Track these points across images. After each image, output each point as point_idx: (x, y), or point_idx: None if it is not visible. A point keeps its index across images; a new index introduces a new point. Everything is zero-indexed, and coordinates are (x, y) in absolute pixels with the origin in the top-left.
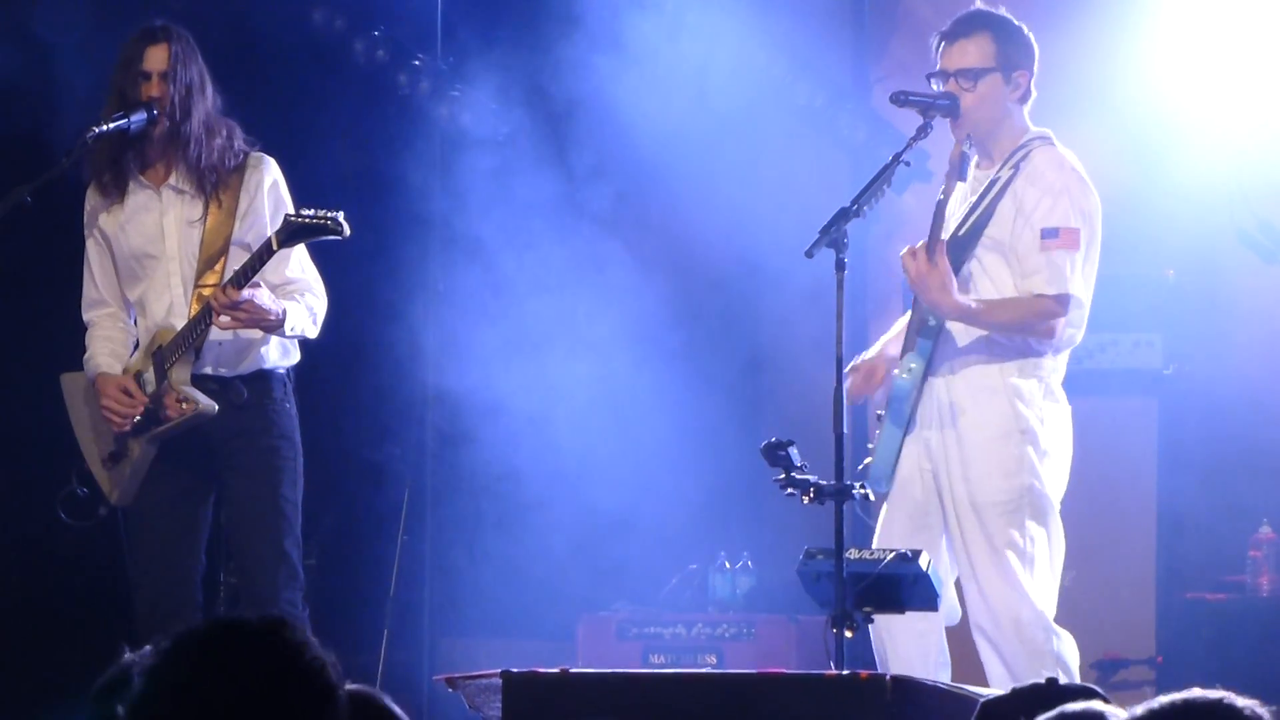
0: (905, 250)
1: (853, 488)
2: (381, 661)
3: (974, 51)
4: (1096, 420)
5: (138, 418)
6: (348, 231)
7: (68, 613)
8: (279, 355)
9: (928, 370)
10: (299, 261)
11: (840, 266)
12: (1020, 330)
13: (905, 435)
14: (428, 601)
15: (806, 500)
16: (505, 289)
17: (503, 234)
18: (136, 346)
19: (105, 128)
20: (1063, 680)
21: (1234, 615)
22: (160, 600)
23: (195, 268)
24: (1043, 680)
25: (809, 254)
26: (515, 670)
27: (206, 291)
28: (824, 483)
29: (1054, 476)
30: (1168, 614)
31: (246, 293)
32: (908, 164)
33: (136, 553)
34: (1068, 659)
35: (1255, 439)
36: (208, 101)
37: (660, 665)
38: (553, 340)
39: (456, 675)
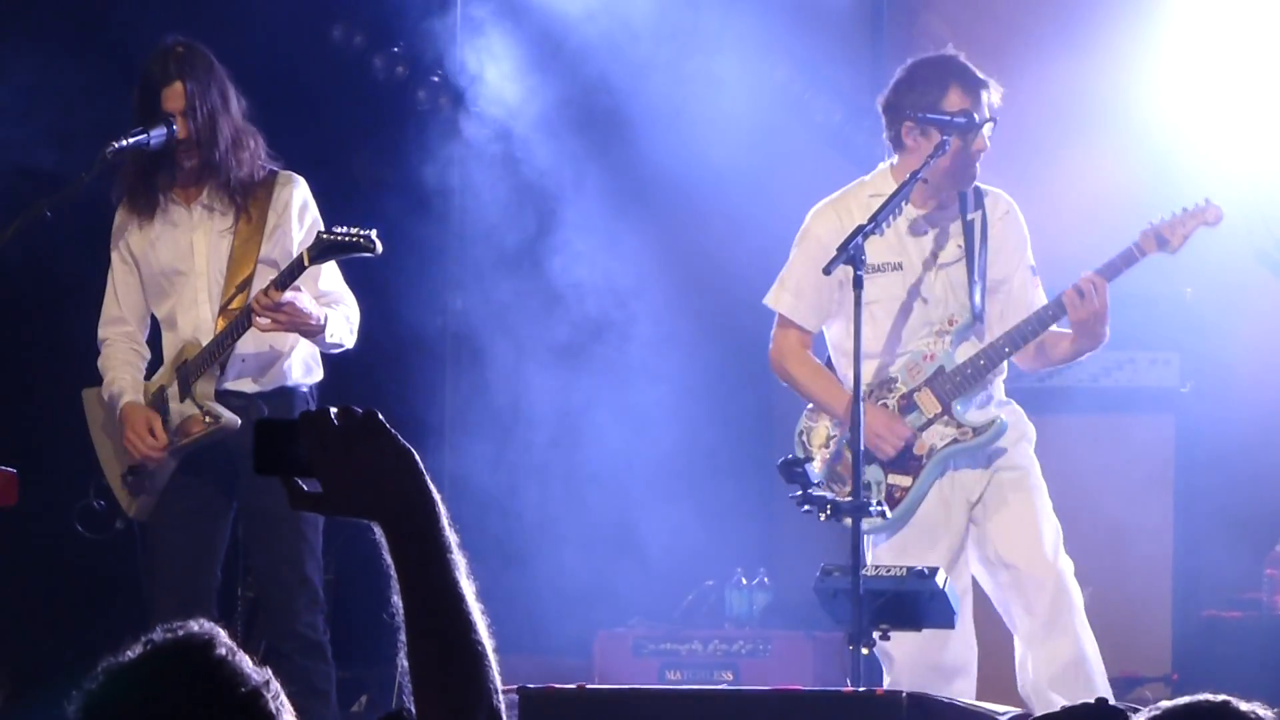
0: (1087, 281)
1: (869, 504)
2: (399, 675)
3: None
4: (1113, 437)
5: (157, 457)
6: (379, 249)
7: (88, 625)
8: (302, 373)
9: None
10: (331, 274)
11: (858, 283)
12: (1087, 353)
13: (939, 478)
14: None
15: (823, 517)
16: (522, 304)
17: (519, 248)
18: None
19: (124, 143)
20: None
21: (1250, 633)
22: (176, 615)
23: (222, 284)
24: (1092, 700)
25: (827, 271)
26: (532, 686)
27: (233, 307)
28: (840, 499)
29: None
30: (1184, 631)
31: (288, 295)
32: (925, 182)
33: (154, 567)
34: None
35: (1271, 457)
36: (233, 116)
37: (676, 682)
38: (568, 357)
39: None
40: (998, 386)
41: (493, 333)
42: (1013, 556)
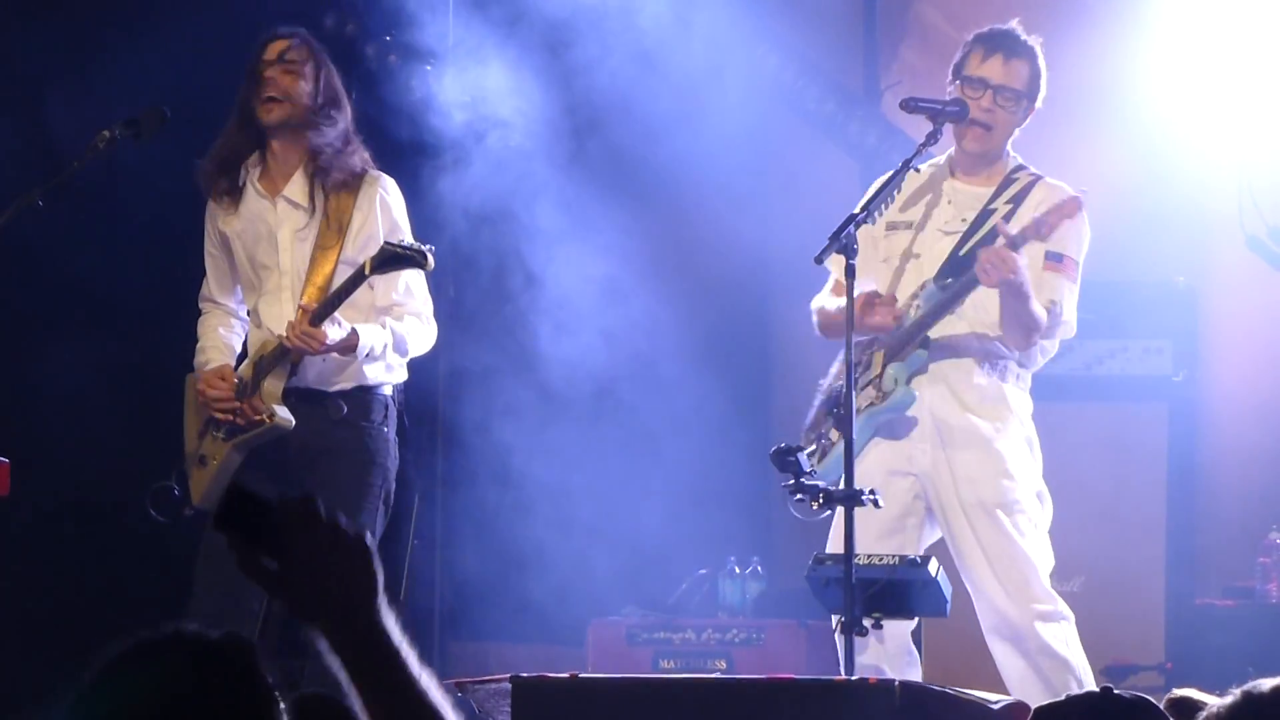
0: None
1: (862, 493)
2: None
3: (1020, 74)
4: (1106, 426)
5: (229, 406)
6: (431, 265)
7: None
8: (382, 372)
9: (911, 380)
10: (408, 284)
11: (849, 272)
12: (1028, 329)
13: (870, 440)
14: (438, 606)
15: (815, 506)
16: (515, 293)
17: (513, 237)
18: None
19: (118, 131)
20: (1083, 677)
21: (1244, 621)
22: (211, 606)
23: (303, 282)
24: (1098, 690)
25: (819, 259)
26: (524, 675)
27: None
28: (833, 488)
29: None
30: (1177, 620)
31: (323, 326)
32: (917, 170)
33: (203, 555)
34: (1079, 648)
35: (1265, 444)
36: (347, 117)
37: (670, 671)
38: (561, 344)
39: (466, 680)
40: (987, 369)
41: (483, 322)
42: (979, 592)
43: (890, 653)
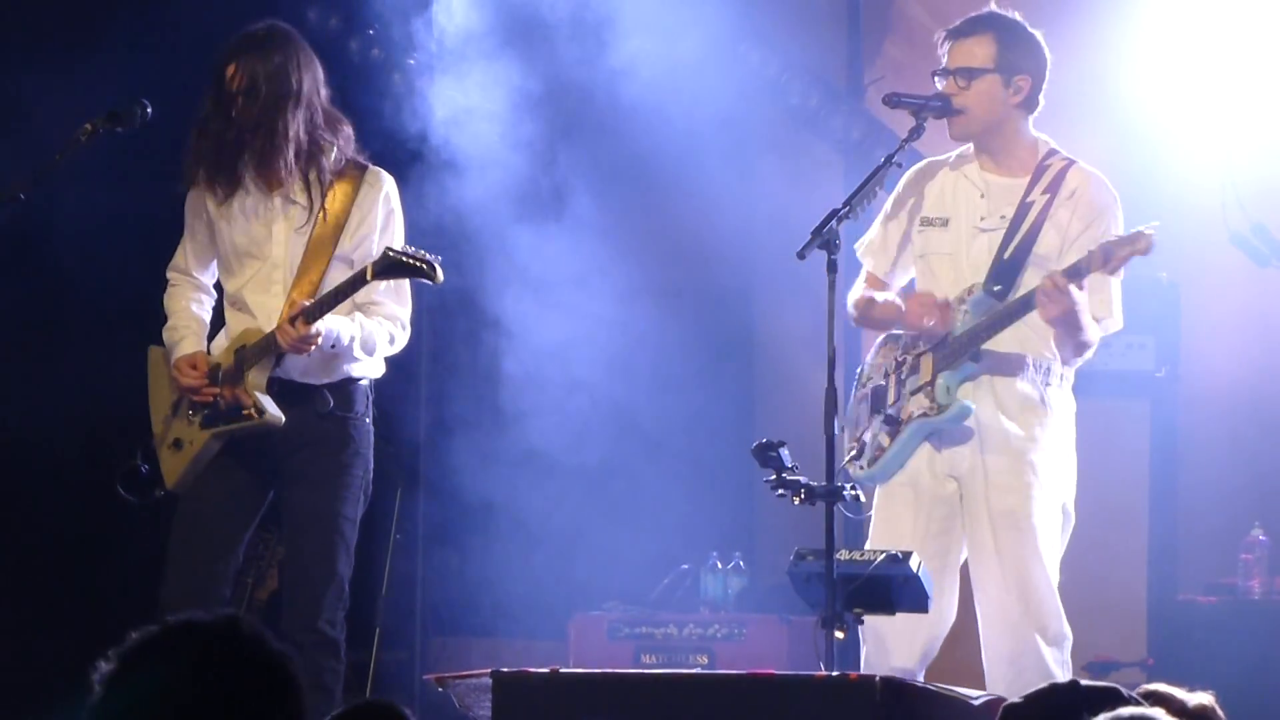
0: (1050, 281)
1: (843, 489)
2: (373, 660)
3: (974, 51)
4: (1088, 422)
5: (206, 395)
6: (440, 278)
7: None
8: (365, 365)
9: (960, 388)
10: (390, 286)
11: (832, 268)
12: (1081, 347)
13: (924, 441)
14: (419, 600)
15: (797, 501)
16: (496, 288)
17: (494, 232)
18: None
19: (99, 125)
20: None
21: (1225, 618)
22: (185, 591)
23: (294, 277)
24: (1064, 683)
25: (801, 255)
26: (505, 670)
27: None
28: (815, 484)
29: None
30: (1159, 616)
31: (316, 326)
32: (900, 165)
33: (176, 540)
34: (1070, 671)
35: (1247, 442)
36: (305, 105)
37: (651, 665)
38: (544, 340)
39: (447, 675)
40: (1031, 374)
41: (465, 316)
42: (989, 601)
43: (921, 654)
